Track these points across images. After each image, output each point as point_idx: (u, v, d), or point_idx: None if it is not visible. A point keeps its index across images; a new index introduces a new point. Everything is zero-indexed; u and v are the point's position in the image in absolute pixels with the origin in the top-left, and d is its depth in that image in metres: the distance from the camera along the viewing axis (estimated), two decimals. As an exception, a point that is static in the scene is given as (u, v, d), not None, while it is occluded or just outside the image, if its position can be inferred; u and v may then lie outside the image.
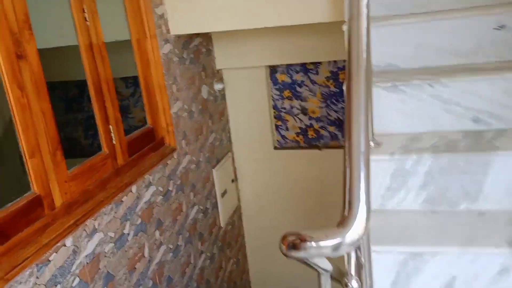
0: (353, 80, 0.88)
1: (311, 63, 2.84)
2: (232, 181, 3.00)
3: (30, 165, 1.26)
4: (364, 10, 0.88)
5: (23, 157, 1.26)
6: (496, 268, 1.13)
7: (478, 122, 1.36)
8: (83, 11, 1.51)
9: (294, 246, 0.84)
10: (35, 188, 1.28)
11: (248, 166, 3.11)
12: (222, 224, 2.76)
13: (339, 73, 2.84)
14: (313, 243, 0.83)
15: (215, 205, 2.66)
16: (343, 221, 0.85)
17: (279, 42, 2.69)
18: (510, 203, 1.25)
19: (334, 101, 2.90)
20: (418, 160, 1.27)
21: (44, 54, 1.35)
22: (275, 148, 3.07)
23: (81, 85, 2.40)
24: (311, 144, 3.03)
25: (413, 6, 1.60)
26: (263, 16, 1.94)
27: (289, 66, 2.89)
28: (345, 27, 1.51)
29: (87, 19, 1.52)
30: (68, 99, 2.89)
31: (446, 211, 1.28)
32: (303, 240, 0.84)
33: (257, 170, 3.10)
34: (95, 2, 1.57)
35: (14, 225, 1.21)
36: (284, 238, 0.84)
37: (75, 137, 2.93)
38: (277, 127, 3.03)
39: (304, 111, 2.96)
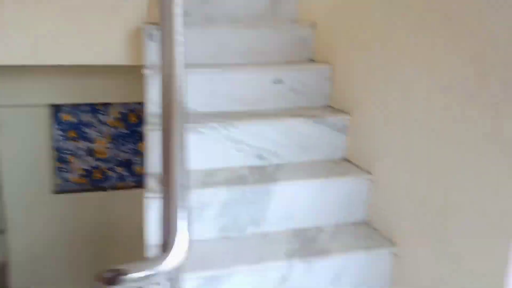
0: (171, 123, 0.93)
1: (101, 103, 2.78)
2: (-1, 232, 2.60)
3: None
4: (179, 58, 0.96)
5: None
6: (279, 277, 1.35)
7: (262, 159, 1.60)
8: None
9: (109, 281, 0.82)
10: None
11: (21, 213, 2.74)
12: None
13: (129, 115, 2.86)
14: (132, 275, 0.84)
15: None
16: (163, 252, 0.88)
17: (65, 81, 2.56)
18: (287, 225, 1.50)
19: (124, 142, 2.88)
20: (215, 192, 1.41)
21: None
22: (56, 192, 2.81)
23: None
24: (97, 186, 2.90)
25: (204, 58, 1.80)
26: (49, 53, 1.84)
27: (76, 106, 2.75)
28: (147, 71, 1.59)
29: None
30: None
31: (237, 237, 1.45)
32: (121, 273, 0.83)
33: (32, 218, 2.76)
34: None
35: None
36: (99, 276, 0.81)
37: None
38: (59, 169, 2.80)
39: (90, 152, 2.84)
